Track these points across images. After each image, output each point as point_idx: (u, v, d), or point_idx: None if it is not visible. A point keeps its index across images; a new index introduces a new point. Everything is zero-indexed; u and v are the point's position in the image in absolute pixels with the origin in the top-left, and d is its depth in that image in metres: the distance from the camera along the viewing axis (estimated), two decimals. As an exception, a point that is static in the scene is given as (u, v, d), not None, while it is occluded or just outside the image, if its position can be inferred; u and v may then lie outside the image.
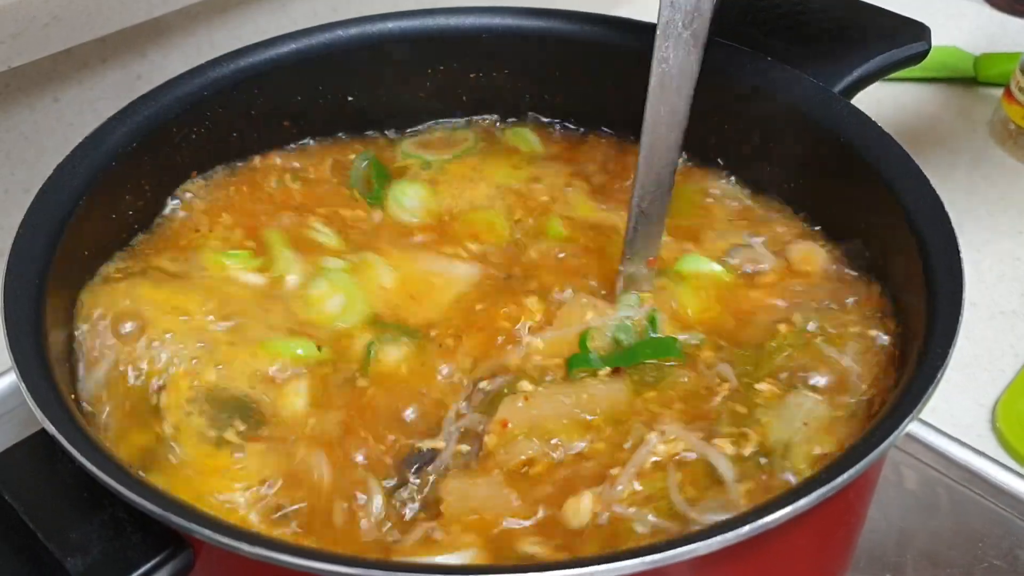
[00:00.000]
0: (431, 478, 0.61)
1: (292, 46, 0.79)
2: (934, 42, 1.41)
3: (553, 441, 0.62)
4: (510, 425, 0.63)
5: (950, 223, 0.62)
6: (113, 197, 0.70)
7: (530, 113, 0.89)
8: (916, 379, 0.52)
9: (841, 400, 0.63)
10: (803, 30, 0.79)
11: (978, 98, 1.36)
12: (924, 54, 0.78)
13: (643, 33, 0.74)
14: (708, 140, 0.81)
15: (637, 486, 0.58)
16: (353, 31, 0.80)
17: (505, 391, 0.65)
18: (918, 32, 0.77)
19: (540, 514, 0.58)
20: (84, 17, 0.93)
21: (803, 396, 0.63)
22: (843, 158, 0.72)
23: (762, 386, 0.65)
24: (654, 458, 0.60)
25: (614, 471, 0.59)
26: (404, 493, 0.60)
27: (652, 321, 0.70)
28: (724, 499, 0.57)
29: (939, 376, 0.52)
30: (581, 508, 0.57)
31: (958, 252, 0.59)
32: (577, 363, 0.67)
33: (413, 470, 0.61)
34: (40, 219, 0.63)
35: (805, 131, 0.75)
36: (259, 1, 1.10)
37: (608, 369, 0.67)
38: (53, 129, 1.01)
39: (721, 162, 0.82)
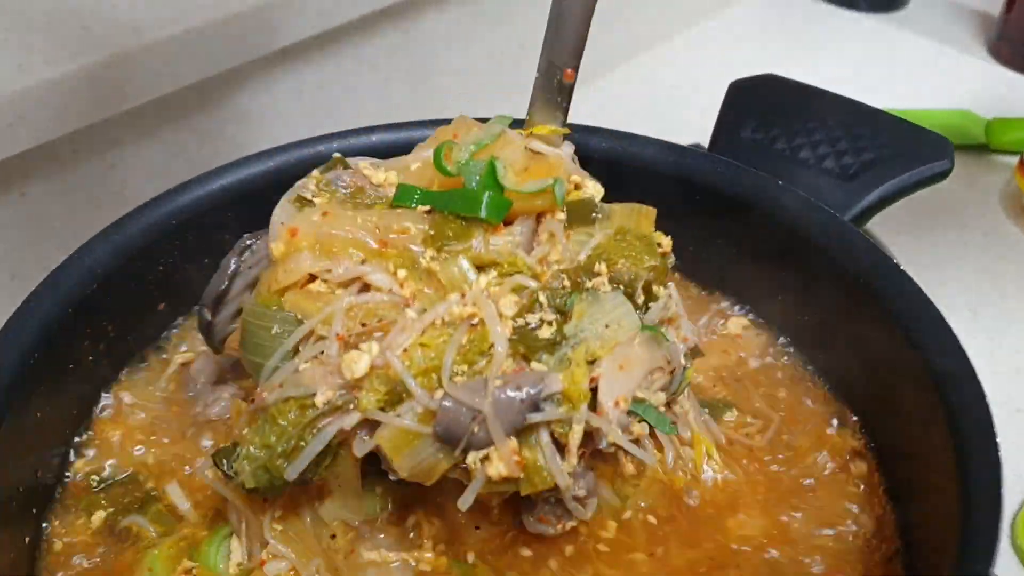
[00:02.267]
0: None
1: (268, 164, 0.73)
2: (942, 104, 1.38)
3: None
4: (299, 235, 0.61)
5: (984, 396, 0.57)
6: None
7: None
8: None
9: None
10: (820, 143, 0.74)
11: (990, 166, 1.31)
12: (947, 172, 0.72)
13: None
14: (709, 265, 0.76)
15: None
16: (335, 144, 0.75)
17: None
18: (941, 149, 0.72)
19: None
20: (51, 115, 0.88)
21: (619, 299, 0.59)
22: (855, 297, 0.66)
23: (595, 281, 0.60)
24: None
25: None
26: None
27: (492, 169, 0.62)
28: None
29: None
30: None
31: (996, 445, 0.53)
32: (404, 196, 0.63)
33: None
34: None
35: (813, 262, 0.69)
36: (238, 82, 1.05)
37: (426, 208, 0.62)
38: (20, 225, 0.96)
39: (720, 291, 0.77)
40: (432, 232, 0.60)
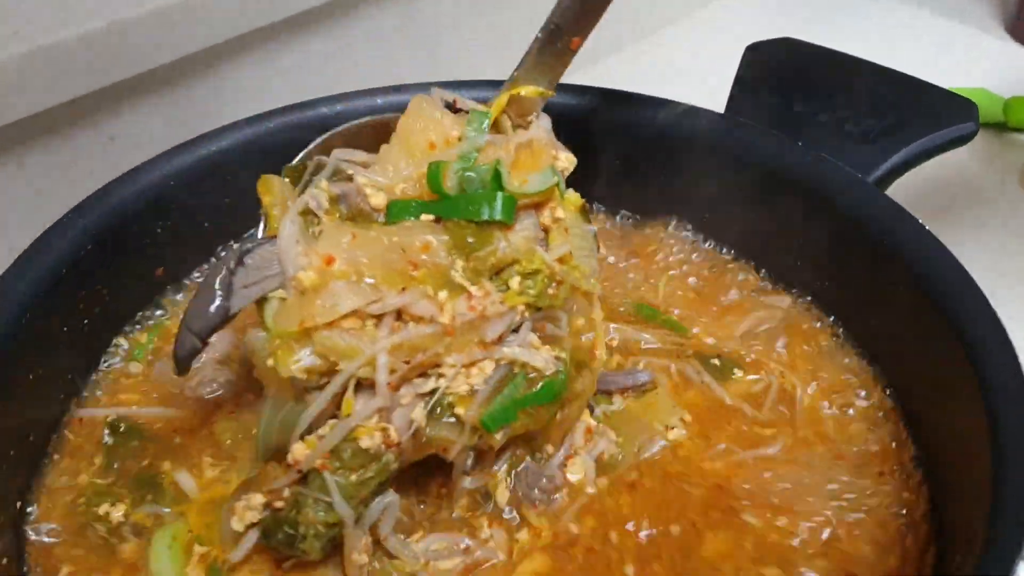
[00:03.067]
0: None
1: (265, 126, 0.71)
2: (959, 83, 1.35)
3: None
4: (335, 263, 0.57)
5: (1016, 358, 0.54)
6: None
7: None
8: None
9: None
10: (840, 106, 0.71)
11: (1008, 145, 1.28)
12: (972, 135, 0.70)
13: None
14: (730, 227, 0.73)
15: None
16: (324, 110, 0.73)
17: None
18: (966, 111, 0.69)
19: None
20: (48, 83, 0.86)
21: None
22: (879, 258, 0.64)
23: None
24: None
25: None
26: None
27: (496, 174, 0.59)
28: None
29: None
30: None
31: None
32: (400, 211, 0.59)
33: None
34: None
35: (835, 224, 0.67)
36: (241, 52, 1.03)
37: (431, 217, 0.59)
38: (19, 196, 0.93)
39: (736, 252, 0.75)
40: (452, 240, 0.58)
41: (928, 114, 0.70)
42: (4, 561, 0.54)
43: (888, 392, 0.66)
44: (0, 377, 0.55)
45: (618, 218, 0.81)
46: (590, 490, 0.61)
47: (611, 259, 0.78)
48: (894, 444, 0.63)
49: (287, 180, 0.62)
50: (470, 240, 0.57)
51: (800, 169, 0.67)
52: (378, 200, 0.59)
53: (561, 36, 0.64)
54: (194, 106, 1.02)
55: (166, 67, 0.95)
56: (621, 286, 0.76)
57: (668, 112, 0.71)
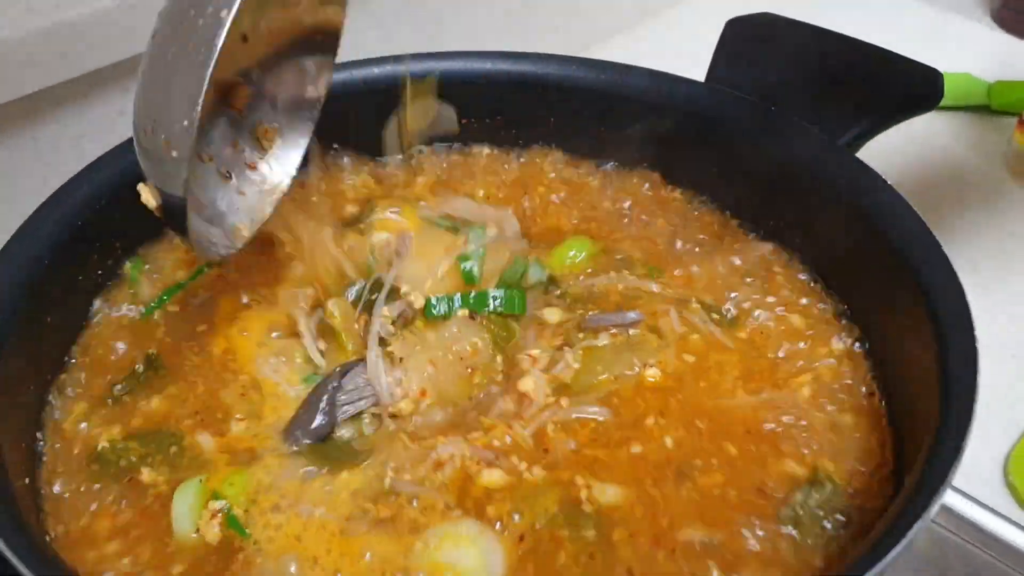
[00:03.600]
0: None
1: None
2: (945, 68, 1.39)
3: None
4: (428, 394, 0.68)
5: (966, 303, 0.58)
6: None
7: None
8: (926, 476, 0.48)
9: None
10: (814, 77, 0.75)
11: (992, 127, 1.32)
12: (936, 102, 0.74)
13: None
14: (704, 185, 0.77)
15: None
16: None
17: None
18: (931, 80, 0.73)
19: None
20: (60, 58, 0.90)
21: None
22: (847, 215, 0.68)
23: None
24: None
25: None
26: None
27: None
28: None
29: (950, 478, 0.48)
30: None
31: (974, 340, 0.55)
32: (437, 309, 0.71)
33: None
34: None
35: (806, 184, 0.71)
36: (246, 33, 1.07)
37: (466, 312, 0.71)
38: (31, 168, 0.98)
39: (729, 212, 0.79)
40: (491, 337, 0.71)
41: (894, 82, 0.74)
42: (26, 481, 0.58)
43: (856, 334, 0.71)
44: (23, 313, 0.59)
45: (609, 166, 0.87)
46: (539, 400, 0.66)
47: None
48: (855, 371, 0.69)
49: (347, 300, 0.72)
50: (503, 334, 0.71)
51: (771, 132, 0.71)
52: (420, 302, 0.71)
53: None
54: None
55: (173, 44, 0.99)
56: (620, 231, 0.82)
57: (645, 79, 0.76)
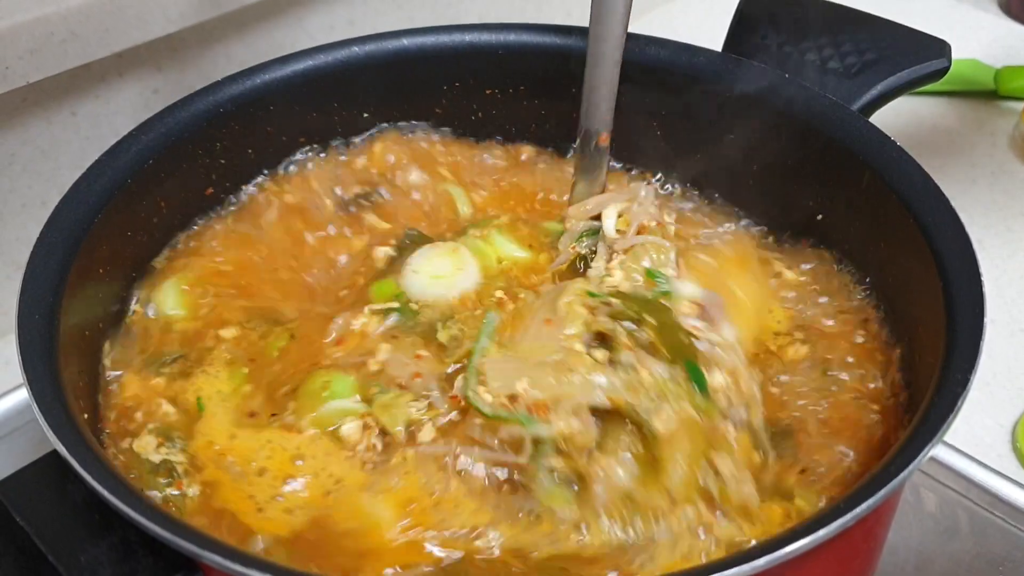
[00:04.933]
0: None
1: (308, 63, 0.78)
2: (953, 54, 1.42)
3: None
4: None
5: (970, 243, 0.61)
6: (130, 215, 0.70)
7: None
8: (935, 405, 0.51)
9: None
10: (825, 46, 0.78)
11: (998, 112, 1.35)
12: (945, 71, 0.77)
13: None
14: (719, 160, 0.80)
15: None
16: (369, 47, 0.80)
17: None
18: (939, 49, 0.76)
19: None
20: (101, 33, 0.94)
21: None
22: (859, 176, 0.71)
23: None
24: None
25: None
26: None
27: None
28: None
29: (959, 403, 0.51)
30: None
31: (978, 272, 0.58)
32: None
33: None
34: (55, 237, 0.63)
35: (821, 148, 0.74)
36: (275, 15, 1.10)
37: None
38: (70, 143, 1.01)
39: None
40: None
41: (904, 52, 0.77)
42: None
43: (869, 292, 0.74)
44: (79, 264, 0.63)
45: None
46: None
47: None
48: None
49: None
50: None
51: (787, 97, 0.75)
52: None
53: (592, 137, 0.76)
54: (229, 64, 1.09)
55: (205, 25, 1.03)
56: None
57: (663, 49, 0.79)
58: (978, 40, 1.47)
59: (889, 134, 0.78)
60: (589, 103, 0.74)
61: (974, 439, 0.91)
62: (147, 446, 0.63)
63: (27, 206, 1.00)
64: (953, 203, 1.17)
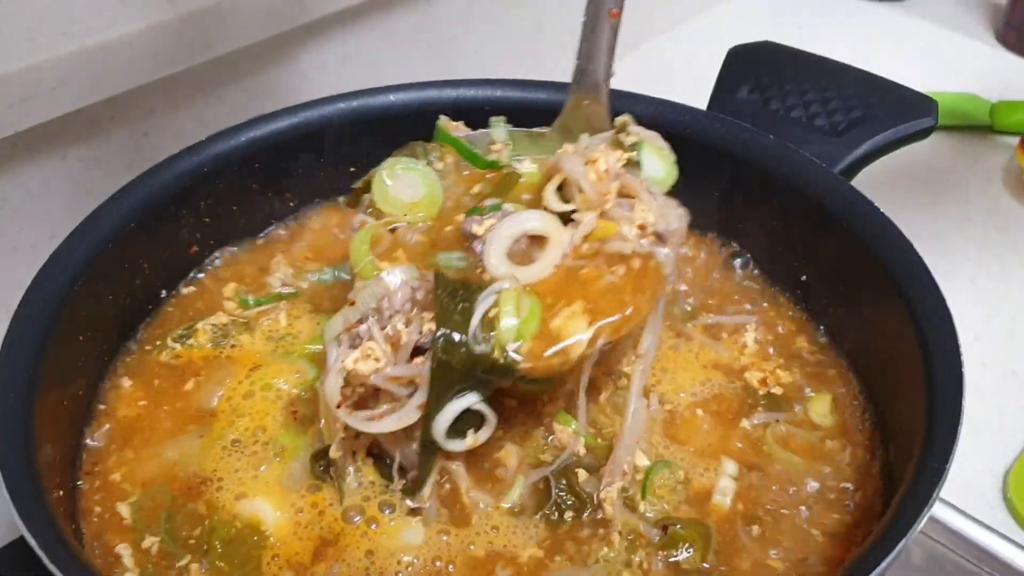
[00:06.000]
0: None
1: (292, 120, 0.79)
2: (948, 87, 1.41)
3: None
4: None
5: (953, 325, 0.61)
6: (111, 281, 0.70)
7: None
8: (915, 490, 0.51)
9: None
10: (812, 103, 0.78)
11: (993, 146, 1.34)
12: (930, 130, 0.77)
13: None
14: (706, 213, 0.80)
15: None
16: (355, 103, 0.80)
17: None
18: (925, 108, 0.76)
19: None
20: (91, 81, 0.94)
21: None
22: (839, 239, 0.71)
23: None
24: None
25: None
26: None
27: None
28: None
29: (936, 493, 0.51)
30: None
31: (959, 357, 0.57)
32: None
33: None
34: (31, 312, 0.62)
35: (801, 209, 0.74)
36: (267, 55, 1.11)
37: None
38: (61, 186, 1.01)
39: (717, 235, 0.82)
40: None
41: (891, 110, 0.77)
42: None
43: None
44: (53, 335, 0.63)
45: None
46: None
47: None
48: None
49: None
50: None
51: (769, 158, 0.74)
52: None
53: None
54: (221, 105, 1.10)
55: (196, 68, 1.03)
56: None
57: (648, 106, 0.79)
58: (974, 72, 1.47)
59: (882, 169, 0.78)
60: None
61: (964, 487, 0.89)
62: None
63: (17, 249, 1.01)
64: (946, 240, 1.18)
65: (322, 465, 0.64)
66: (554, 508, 0.63)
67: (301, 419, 0.68)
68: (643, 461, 0.66)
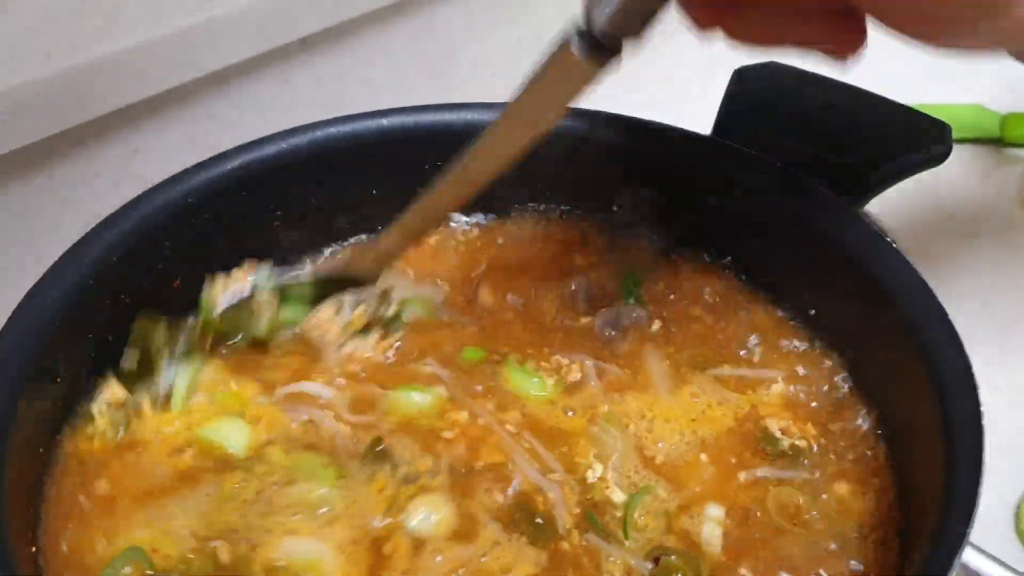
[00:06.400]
0: None
1: (280, 146, 0.76)
2: (957, 99, 1.38)
3: None
4: None
5: (973, 376, 0.58)
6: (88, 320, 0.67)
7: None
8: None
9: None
10: (821, 131, 0.75)
11: (1004, 160, 1.31)
12: (945, 156, 0.74)
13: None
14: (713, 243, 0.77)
15: None
16: (346, 128, 0.77)
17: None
18: (938, 134, 0.73)
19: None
20: (76, 101, 0.92)
21: None
22: (852, 276, 0.68)
23: None
24: None
25: None
26: None
27: None
28: None
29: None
30: None
31: (979, 412, 0.55)
32: None
33: None
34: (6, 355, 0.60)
35: (811, 242, 0.71)
36: (258, 70, 1.08)
37: None
38: (47, 207, 0.99)
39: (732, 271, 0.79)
40: None
41: (903, 136, 0.74)
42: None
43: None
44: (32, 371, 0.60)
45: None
46: None
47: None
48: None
49: None
50: None
51: (778, 189, 0.72)
52: None
53: None
54: (211, 122, 1.07)
55: (186, 85, 1.01)
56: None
57: (648, 133, 0.76)
58: (982, 84, 1.43)
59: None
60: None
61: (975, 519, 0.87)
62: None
63: (5, 270, 0.98)
64: (958, 258, 1.15)
65: None
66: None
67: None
68: (618, 496, 0.64)
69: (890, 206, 0.84)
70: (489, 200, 0.83)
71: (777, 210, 0.72)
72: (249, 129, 1.10)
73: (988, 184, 1.28)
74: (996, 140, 1.33)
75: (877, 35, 1.19)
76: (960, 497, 0.51)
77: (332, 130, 0.77)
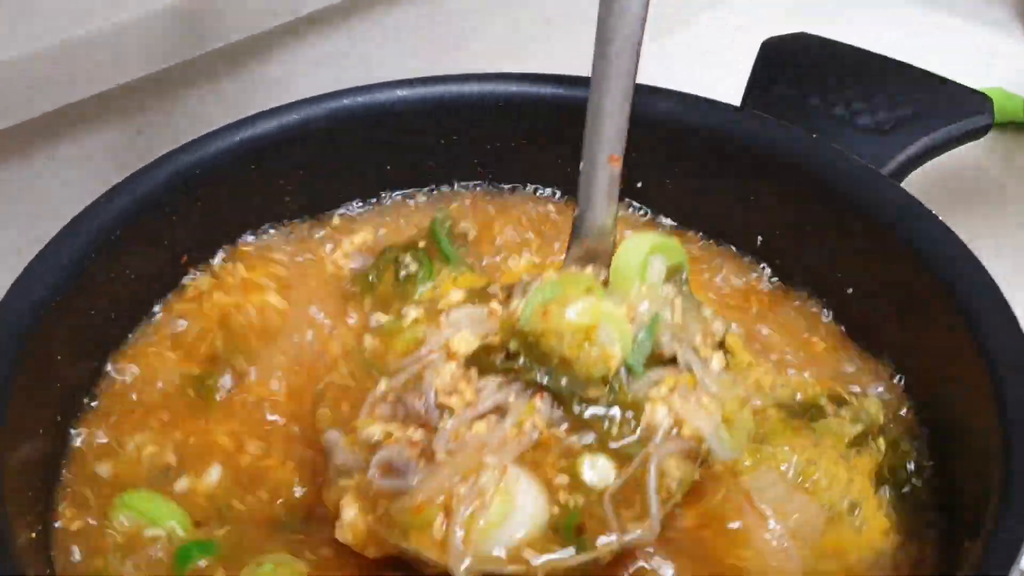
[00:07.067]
0: None
1: (295, 116, 0.73)
2: (978, 82, 1.35)
3: None
4: None
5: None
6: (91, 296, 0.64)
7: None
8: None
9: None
10: (854, 99, 0.72)
11: (1029, 145, 1.29)
12: (987, 129, 0.71)
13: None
14: (744, 223, 0.74)
15: None
16: (360, 99, 0.74)
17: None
18: (979, 104, 0.70)
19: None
20: (73, 76, 0.88)
21: None
22: (889, 248, 0.65)
23: None
24: None
25: None
26: None
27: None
28: None
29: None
30: None
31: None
32: None
33: None
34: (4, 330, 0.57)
35: (848, 215, 0.68)
36: (265, 49, 1.05)
37: None
38: (49, 187, 0.96)
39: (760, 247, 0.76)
40: None
41: (942, 108, 0.71)
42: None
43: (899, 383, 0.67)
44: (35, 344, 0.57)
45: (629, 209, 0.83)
46: None
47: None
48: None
49: None
50: None
51: (813, 159, 0.68)
52: None
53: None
54: (217, 100, 1.04)
55: (192, 62, 0.97)
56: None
57: (680, 103, 0.73)
58: (1004, 67, 1.40)
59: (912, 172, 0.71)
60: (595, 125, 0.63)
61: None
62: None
63: (3, 254, 0.95)
64: (980, 242, 1.12)
65: None
66: None
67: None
68: None
69: (911, 190, 0.81)
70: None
71: (811, 184, 0.69)
72: (255, 108, 1.08)
73: (1011, 167, 1.25)
74: (1019, 124, 1.30)
75: (894, 20, 1.15)
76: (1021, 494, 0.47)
77: (346, 100, 0.74)
